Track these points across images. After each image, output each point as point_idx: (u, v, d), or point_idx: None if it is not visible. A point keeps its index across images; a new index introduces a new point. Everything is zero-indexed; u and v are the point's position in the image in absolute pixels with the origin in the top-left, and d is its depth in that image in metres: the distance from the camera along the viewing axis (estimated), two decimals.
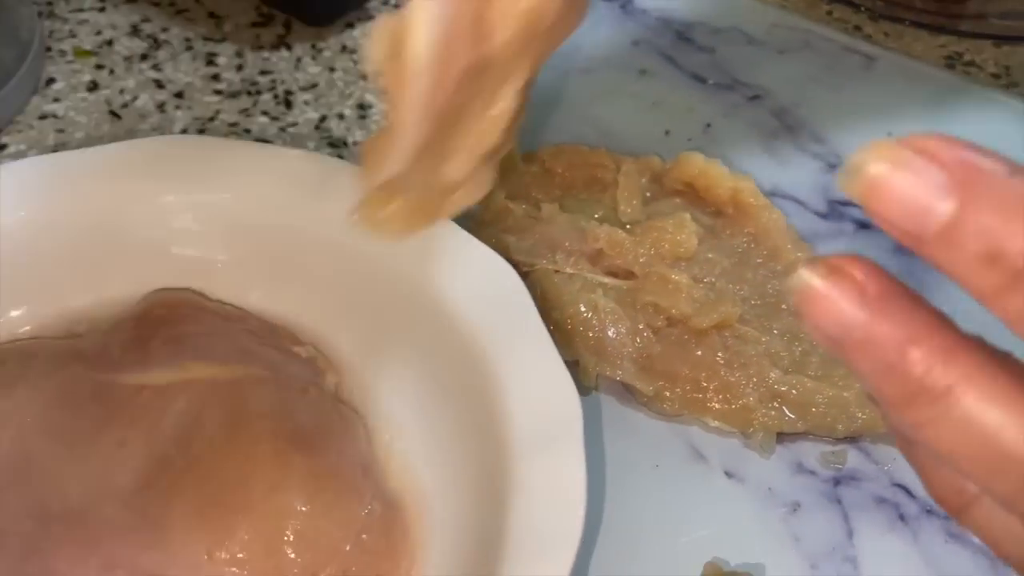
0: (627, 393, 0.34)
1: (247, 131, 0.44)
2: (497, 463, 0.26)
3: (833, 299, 0.16)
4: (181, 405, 0.27)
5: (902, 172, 0.15)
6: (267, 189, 0.32)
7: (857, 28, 0.50)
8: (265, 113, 0.45)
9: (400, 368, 0.31)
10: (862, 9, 0.49)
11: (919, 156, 0.15)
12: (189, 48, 0.48)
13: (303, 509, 0.26)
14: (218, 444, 0.27)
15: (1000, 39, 0.48)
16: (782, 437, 0.33)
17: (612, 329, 0.34)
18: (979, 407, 0.15)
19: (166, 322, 0.30)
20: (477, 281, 0.30)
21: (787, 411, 0.32)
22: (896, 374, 0.16)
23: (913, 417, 0.16)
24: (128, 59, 0.47)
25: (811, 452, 0.32)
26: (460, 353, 0.29)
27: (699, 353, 0.33)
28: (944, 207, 0.15)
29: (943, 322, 0.16)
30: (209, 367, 0.28)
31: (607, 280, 0.36)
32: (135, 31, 0.48)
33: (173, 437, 0.27)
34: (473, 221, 0.39)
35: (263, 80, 0.46)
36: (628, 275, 0.36)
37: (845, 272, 0.16)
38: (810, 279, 0.16)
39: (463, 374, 0.29)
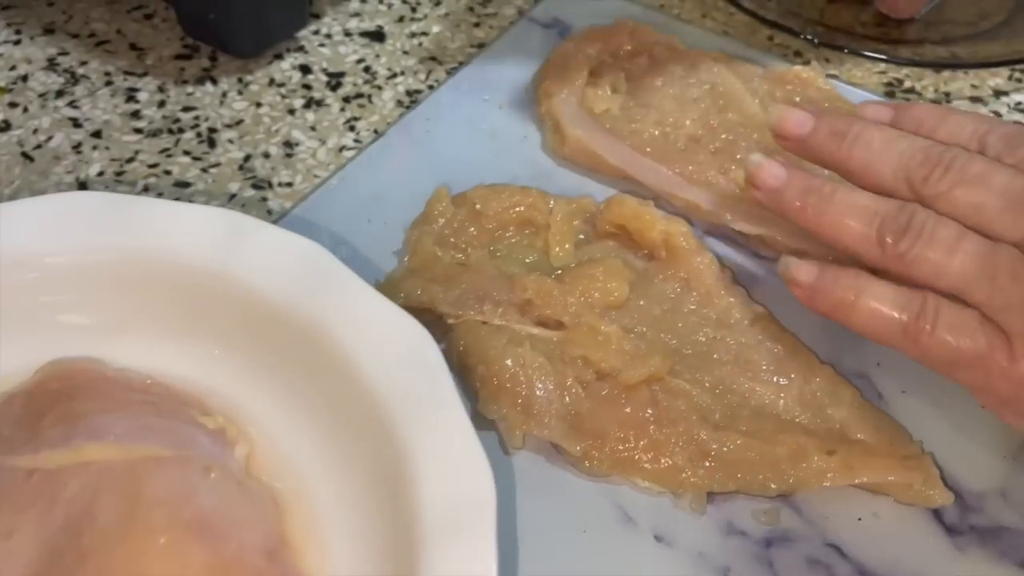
0: (555, 451, 0.33)
1: (167, 172, 0.42)
2: (407, 546, 0.25)
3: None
4: (74, 491, 0.26)
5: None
6: (169, 247, 0.30)
7: (797, 54, 0.49)
8: (187, 153, 0.43)
9: (314, 435, 0.30)
10: (802, 36, 0.48)
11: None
12: (109, 83, 0.46)
13: None
14: (112, 535, 0.25)
15: (940, 66, 0.47)
16: (713, 496, 0.32)
17: (540, 385, 0.33)
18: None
19: (60, 397, 0.28)
20: (391, 346, 0.28)
21: (718, 470, 0.31)
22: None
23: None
24: (43, 96, 0.45)
25: (743, 511, 0.32)
26: (373, 424, 0.28)
27: (628, 410, 0.32)
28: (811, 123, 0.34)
29: None
30: (104, 448, 0.27)
31: (536, 331, 0.35)
32: (52, 65, 0.47)
33: (64, 526, 0.25)
34: (401, 269, 0.37)
35: (186, 117, 0.44)
36: (558, 325, 0.35)
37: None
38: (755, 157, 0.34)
39: (376, 447, 0.28)
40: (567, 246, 0.38)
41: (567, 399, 0.33)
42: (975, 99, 0.47)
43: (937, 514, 0.32)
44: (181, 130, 0.44)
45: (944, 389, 0.35)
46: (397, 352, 0.28)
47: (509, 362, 0.33)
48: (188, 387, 0.31)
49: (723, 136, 0.42)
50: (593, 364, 0.34)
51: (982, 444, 0.33)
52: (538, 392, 0.33)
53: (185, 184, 0.41)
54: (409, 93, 0.46)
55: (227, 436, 0.30)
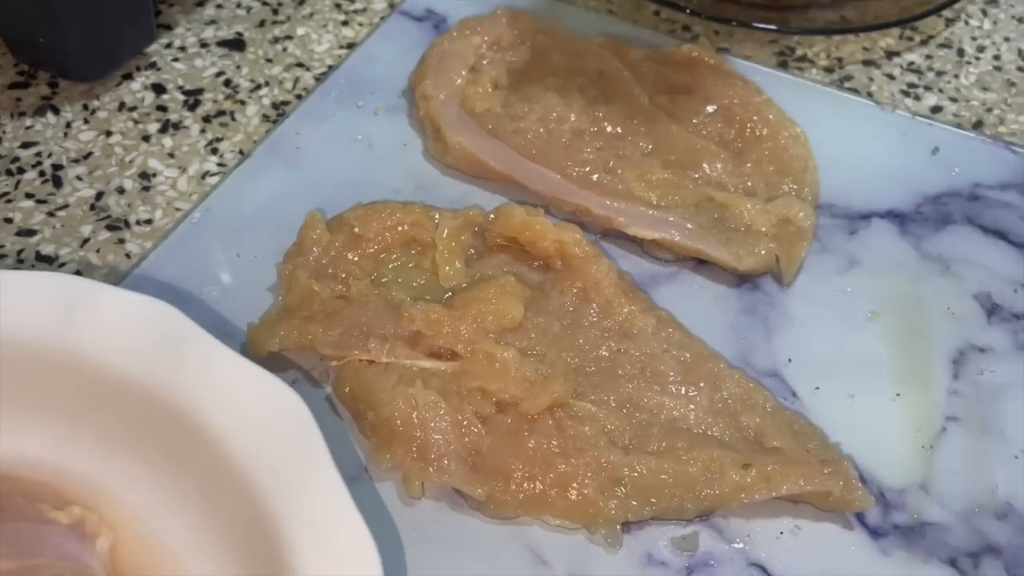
0: (459, 496, 0.30)
1: (8, 220, 0.38)
2: None
3: None
4: None
5: None
6: (3, 321, 0.27)
7: (686, 29, 0.47)
8: (29, 196, 0.39)
9: (183, 513, 0.27)
10: (688, 11, 0.46)
11: None
12: None
13: None
14: None
15: (830, 32, 0.46)
16: (629, 526, 0.30)
17: (435, 426, 0.30)
18: None
19: None
20: (255, 411, 0.26)
21: (631, 498, 0.30)
22: None
23: None
24: None
25: (661, 538, 0.30)
26: (243, 498, 0.25)
27: (531, 443, 0.30)
28: None
29: None
30: None
31: (428, 364, 0.32)
32: None
33: None
34: (275, 308, 0.34)
35: (26, 155, 0.40)
36: (452, 355, 0.32)
37: None
38: None
39: (249, 524, 0.25)
40: (457, 264, 0.35)
41: (466, 438, 0.30)
42: (868, 62, 0.46)
43: (860, 516, 0.30)
44: (21, 170, 0.40)
45: (857, 381, 0.33)
46: (262, 417, 0.25)
47: (401, 404, 0.31)
48: (38, 473, 0.27)
49: (608, 129, 0.39)
50: (492, 395, 0.31)
51: (899, 436, 0.32)
52: (434, 435, 0.30)
53: (30, 232, 0.37)
54: (276, 106, 0.42)
55: (86, 529, 0.26)
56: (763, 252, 0.35)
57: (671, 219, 0.37)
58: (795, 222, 0.37)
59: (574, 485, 0.30)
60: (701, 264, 0.37)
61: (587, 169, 0.38)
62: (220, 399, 0.26)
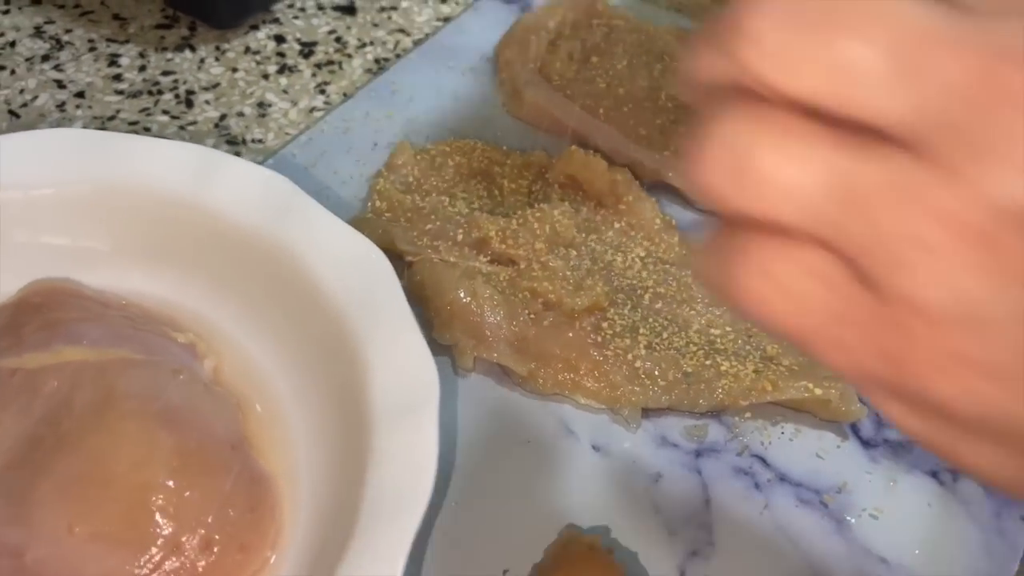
0: (505, 375, 0.35)
1: (147, 129, 0.44)
2: (359, 435, 0.28)
3: None
4: (52, 386, 0.28)
5: None
6: (144, 178, 0.33)
7: None
8: (166, 112, 0.45)
9: (276, 346, 0.32)
10: None
11: None
12: (92, 49, 0.48)
13: (167, 483, 0.27)
14: (86, 423, 0.27)
15: None
16: (648, 412, 0.34)
17: (490, 314, 0.35)
18: None
19: (41, 309, 0.30)
20: (346, 262, 0.31)
21: (651, 387, 0.34)
22: None
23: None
24: (30, 60, 0.47)
25: (675, 426, 0.34)
26: (331, 334, 0.30)
27: (570, 335, 0.35)
28: None
29: None
30: (81, 351, 0.29)
31: (488, 268, 0.37)
32: (38, 32, 0.49)
33: (43, 417, 0.28)
34: (364, 213, 0.40)
35: (165, 80, 0.47)
36: (510, 263, 0.38)
37: None
38: None
39: (333, 353, 0.30)
40: (520, 196, 0.41)
41: (515, 326, 0.35)
42: None
43: (855, 428, 0.34)
44: (160, 92, 0.46)
45: None
46: (351, 267, 0.30)
47: (462, 293, 0.36)
48: (162, 307, 0.33)
49: (669, 104, 0.44)
50: (541, 295, 0.36)
51: None
52: (488, 320, 0.35)
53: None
54: (377, 61, 0.49)
55: (197, 349, 0.32)
56: None
57: None
58: None
59: (604, 373, 0.34)
60: None
61: (642, 131, 0.43)
62: (318, 250, 0.31)
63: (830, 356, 0.17)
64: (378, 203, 0.40)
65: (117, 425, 0.27)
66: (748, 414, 0.34)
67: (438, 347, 0.36)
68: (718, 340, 0.36)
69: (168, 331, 0.32)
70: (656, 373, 0.34)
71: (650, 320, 0.36)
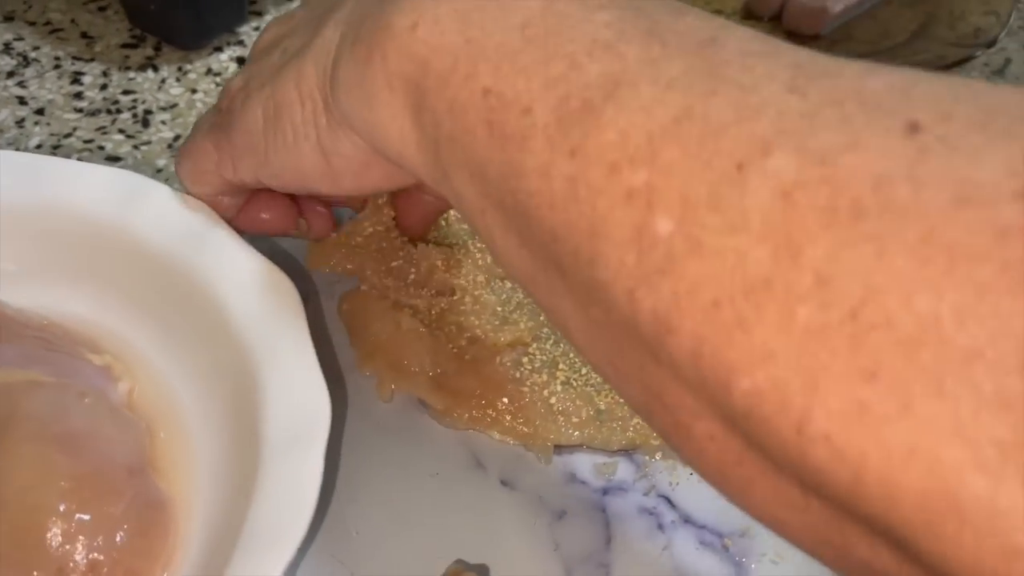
0: (424, 407, 0.36)
1: (101, 148, 0.45)
2: (251, 463, 0.28)
3: None
4: None
5: None
6: (69, 202, 0.33)
7: None
8: (121, 131, 0.46)
9: (189, 371, 0.33)
10: None
11: None
12: (57, 67, 0.49)
13: (58, 507, 0.27)
14: None
15: None
16: (561, 449, 0.34)
17: (412, 347, 0.36)
18: None
19: None
20: (254, 290, 0.31)
21: (565, 425, 0.34)
22: None
23: None
24: None
25: (586, 463, 0.34)
26: (234, 361, 0.31)
27: (490, 370, 0.35)
28: None
29: None
30: None
31: (419, 301, 0.38)
32: (6, 49, 0.50)
33: None
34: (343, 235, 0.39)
35: (125, 99, 0.48)
36: (452, 292, 0.38)
37: None
38: None
39: (236, 380, 0.31)
40: (466, 226, 0.41)
41: (437, 360, 0.36)
42: None
43: None
44: (119, 111, 0.47)
45: None
46: (258, 295, 0.31)
47: (388, 325, 0.36)
48: (82, 327, 0.34)
49: None
50: (467, 329, 0.36)
51: None
52: (409, 353, 0.36)
53: (116, 158, 0.45)
54: None
55: (112, 372, 0.33)
56: None
57: None
58: None
59: (519, 406, 0.34)
60: None
61: None
62: (227, 278, 0.32)
63: None
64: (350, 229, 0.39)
65: (15, 447, 0.28)
66: (659, 454, 0.34)
67: (359, 379, 0.36)
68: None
69: (84, 352, 0.33)
70: (570, 410, 0.34)
71: (570, 356, 0.36)
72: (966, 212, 0.14)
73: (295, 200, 0.35)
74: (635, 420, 0.34)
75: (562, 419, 0.34)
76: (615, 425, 0.34)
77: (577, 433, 0.34)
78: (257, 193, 0.33)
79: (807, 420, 0.15)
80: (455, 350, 0.36)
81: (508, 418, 0.34)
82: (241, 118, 0.28)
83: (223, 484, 0.30)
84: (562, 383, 0.35)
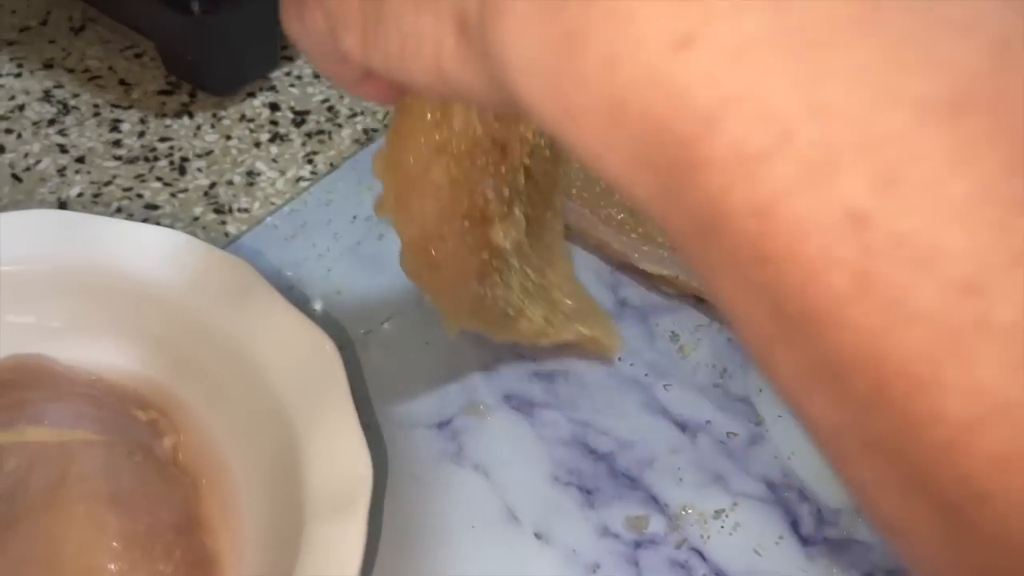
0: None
1: (139, 196, 0.47)
2: (294, 524, 0.29)
3: None
4: (12, 465, 0.30)
5: None
6: (116, 261, 0.35)
7: None
8: (159, 179, 0.47)
9: (234, 428, 0.34)
10: None
11: None
12: (97, 114, 0.51)
13: (110, 567, 0.28)
14: (40, 503, 0.29)
15: None
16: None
17: None
18: None
19: (9, 387, 0.32)
20: (295, 351, 0.32)
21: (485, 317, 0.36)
22: None
23: None
24: (36, 124, 0.50)
25: (618, 516, 0.35)
26: (276, 421, 0.32)
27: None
28: None
29: None
30: (42, 431, 0.31)
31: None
32: (47, 96, 0.52)
33: (2, 495, 0.29)
34: None
35: (162, 147, 0.49)
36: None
37: None
38: None
39: (278, 440, 0.32)
40: None
41: None
42: None
43: (794, 525, 0.35)
44: (156, 158, 0.48)
45: None
46: (301, 356, 0.32)
47: None
48: (128, 381, 0.35)
49: None
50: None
51: None
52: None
53: (154, 207, 0.46)
54: (366, 131, 0.50)
55: (158, 427, 0.34)
56: None
57: (679, 259, 0.42)
58: None
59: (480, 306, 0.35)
60: (700, 301, 0.42)
61: (614, 211, 0.44)
62: (269, 338, 0.33)
63: None
64: None
65: (69, 508, 0.29)
66: (690, 509, 0.35)
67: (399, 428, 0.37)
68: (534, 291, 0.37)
69: (131, 408, 0.34)
70: (495, 308, 0.36)
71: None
72: None
73: None
74: (522, 323, 0.36)
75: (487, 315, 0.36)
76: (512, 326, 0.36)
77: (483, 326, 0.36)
78: None
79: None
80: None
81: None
82: None
83: (268, 542, 0.31)
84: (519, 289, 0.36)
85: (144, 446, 0.32)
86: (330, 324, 0.40)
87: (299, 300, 0.41)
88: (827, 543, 0.34)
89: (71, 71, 0.53)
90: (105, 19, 0.56)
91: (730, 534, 0.35)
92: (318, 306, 0.41)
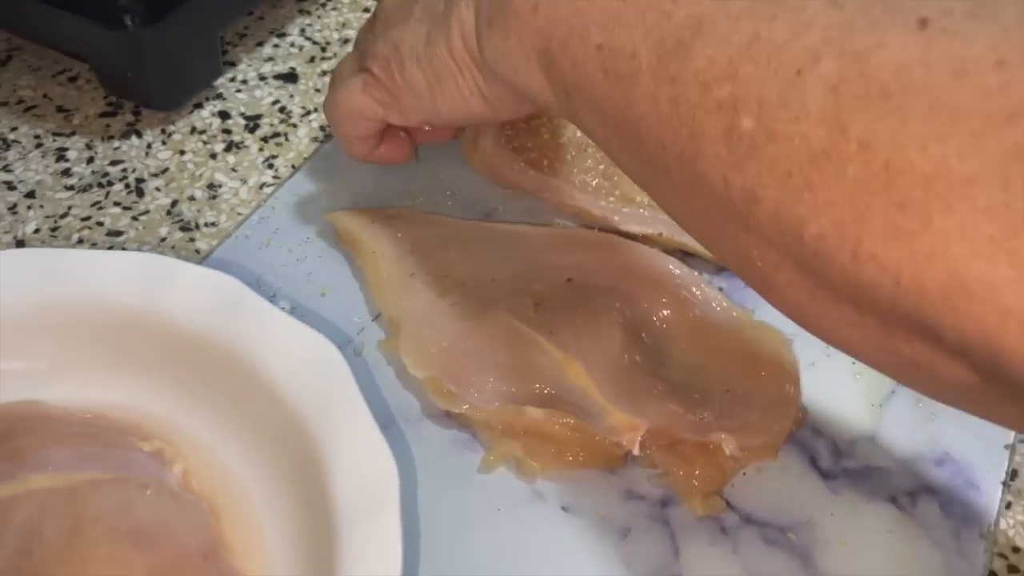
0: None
1: (100, 224, 0.45)
2: (325, 534, 0.28)
3: None
4: (22, 517, 0.29)
5: None
6: (94, 292, 0.33)
7: None
8: (117, 204, 0.46)
9: (242, 446, 0.33)
10: None
11: None
12: (39, 145, 0.49)
13: None
14: (59, 551, 0.28)
15: None
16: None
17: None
18: None
19: (5, 437, 0.31)
20: (299, 359, 0.31)
21: None
22: None
23: None
24: None
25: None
26: (290, 433, 0.31)
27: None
28: None
29: None
30: (48, 478, 0.30)
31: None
32: None
33: (16, 549, 0.28)
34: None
35: (114, 170, 0.47)
36: None
37: None
38: None
39: (294, 453, 0.31)
40: None
41: None
42: None
43: (813, 461, 0.35)
44: (110, 183, 0.47)
45: (820, 352, 0.38)
46: (305, 364, 0.31)
47: None
48: (125, 415, 0.34)
49: None
50: None
51: (852, 397, 0.37)
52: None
53: (117, 233, 0.44)
54: (323, 128, 0.49)
55: (164, 456, 0.33)
56: None
57: (661, 217, 0.42)
58: None
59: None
60: (687, 256, 0.42)
61: (588, 176, 0.44)
62: (270, 351, 0.32)
63: None
64: None
65: (89, 552, 0.28)
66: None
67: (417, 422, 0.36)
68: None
69: (134, 441, 0.33)
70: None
71: None
72: (962, 82, 0.19)
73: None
74: None
75: None
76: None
77: None
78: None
79: (859, 245, 0.20)
80: None
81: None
82: (405, 83, 0.35)
83: (298, 555, 0.30)
84: None
85: (155, 477, 0.31)
86: (323, 327, 0.39)
87: (286, 307, 0.40)
88: (847, 474, 0.35)
89: (4, 104, 0.51)
90: (31, 46, 0.53)
91: (752, 477, 0.35)
92: (306, 311, 0.40)
